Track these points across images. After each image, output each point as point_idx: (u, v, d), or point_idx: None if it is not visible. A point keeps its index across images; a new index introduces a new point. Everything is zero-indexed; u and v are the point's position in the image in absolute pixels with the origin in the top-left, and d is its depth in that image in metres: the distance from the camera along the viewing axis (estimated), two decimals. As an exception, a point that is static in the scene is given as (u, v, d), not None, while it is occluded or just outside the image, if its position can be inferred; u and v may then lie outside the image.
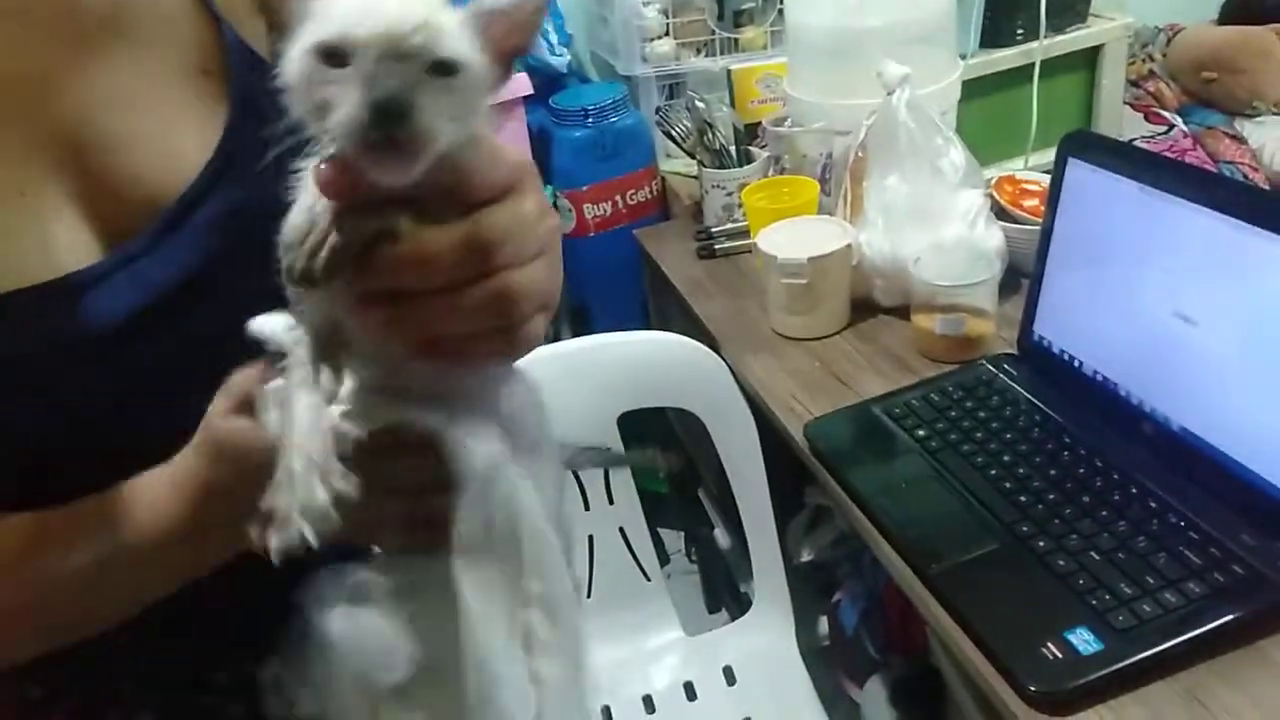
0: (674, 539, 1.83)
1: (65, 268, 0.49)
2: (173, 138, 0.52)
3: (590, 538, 1.26)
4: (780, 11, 1.50)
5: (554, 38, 1.58)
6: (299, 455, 0.40)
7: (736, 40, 1.57)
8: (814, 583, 1.38)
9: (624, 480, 1.25)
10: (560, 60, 1.59)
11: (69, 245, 0.50)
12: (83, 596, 0.49)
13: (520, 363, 0.47)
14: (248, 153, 0.54)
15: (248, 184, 0.53)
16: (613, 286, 1.55)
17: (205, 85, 0.54)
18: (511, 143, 1.42)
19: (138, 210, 0.51)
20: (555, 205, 1.54)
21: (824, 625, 1.38)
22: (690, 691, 1.22)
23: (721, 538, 1.61)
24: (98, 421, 0.52)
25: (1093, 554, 0.75)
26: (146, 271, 0.51)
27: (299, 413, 0.41)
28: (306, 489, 0.39)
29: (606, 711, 1.21)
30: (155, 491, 0.47)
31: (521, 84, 1.45)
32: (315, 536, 0.39)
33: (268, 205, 0.55)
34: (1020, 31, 1.58)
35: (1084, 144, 0.89)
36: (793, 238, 1.11)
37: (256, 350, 0.46)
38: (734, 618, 1.39)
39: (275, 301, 0.46)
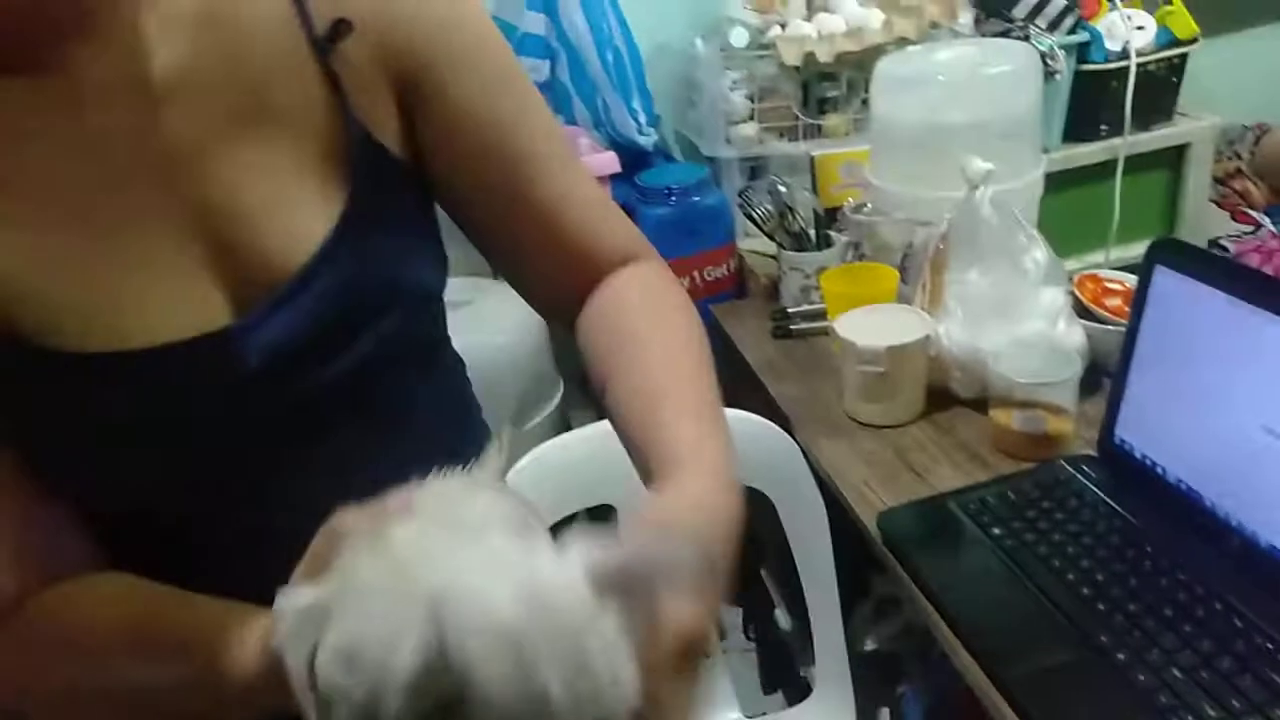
0: (731, 616, 1.81)
1: (195, 329, 0.54)
2: (297, 215, 0.57)
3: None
4: (864, 101, 1.54)
5: (642, 117, 1.63)
6: None
7: (820, 126, 1.60)
8: (877, 672, 1.36)
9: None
10: (647, 140, 1.64)
11: (200, 309, 0.55)
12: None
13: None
14: (362, 233, 0.58)
15: (359, 261, 0.58)
16: (686, 361, 1.57)
17: (330, 170, 0.58)
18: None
19: (260, 280, 0.56)
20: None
21: (885, 717, 1.35)
22: (747, 775, 1.21)
23: (783, 618, 1.59)
24: (202, 481, 0.56)
25: (1174, 670, 0.73)
26: (266, 336, 0.56)
27: None
28: None
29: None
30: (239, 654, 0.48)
31: (609, 161, 1.50)
32: None
33: (375, 282, 0.60)
34: (1105, 128, 1.59)
35: (1172, 252, 0.89)
36: (871, 325, 1.12)
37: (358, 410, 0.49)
38: (790, 701, 1.37)
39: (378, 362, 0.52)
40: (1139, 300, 0.92)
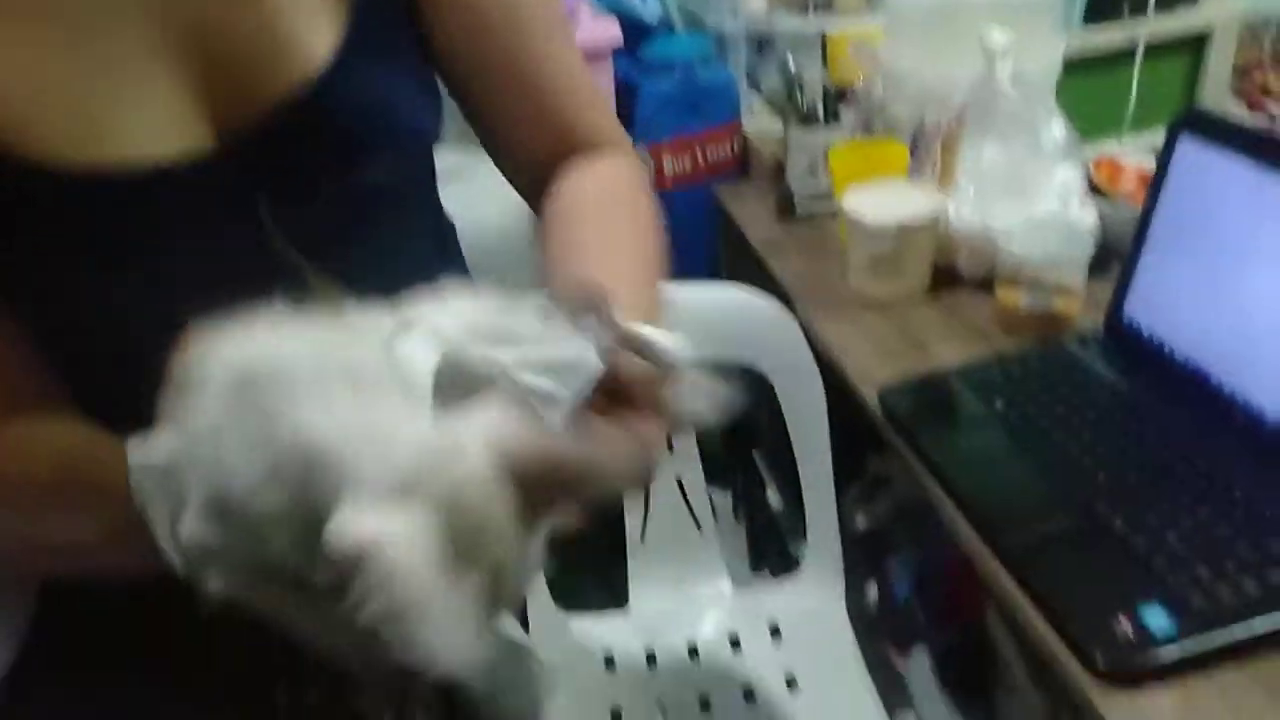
0: (721, 499, 1.84)
1: (178, 152, 0.51)
2: (295, 38, 0.53)
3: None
4: (879, -26, 1.47)
5: (645, -13, 1.56)
6: None
7: (831, 1, 1.54)
8: (866, 550, 1.39)
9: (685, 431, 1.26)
10: (650, 11, 1.58)
11: (185, 130, 0.52)
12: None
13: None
14: (361, 62, 0.55)
15: (356, 90, 0.55)
16: (685, 243, 1.53)
17: None
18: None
19: (251, 103, 0.53)
20: (635, 155, 1.53)
21: (873, 592, 1.38)
22: (735, 643, 1.24)
23: (774, 498, 1.61)
24: (175, 309, 0.54)
25: (1172, 536, 0.74)
26: (251, 163, 0.53)
27: None
28: None
29: (651, 656, 1.24)
30: None
31: (611, 34, 1.44)
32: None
33: (371, 114, 0.56)
34: (1126, 8, 1.53)
35: (1198, 122, 0.87)
36: (879, 201, 1.10)
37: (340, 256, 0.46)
38: (776, 577, 1.40)
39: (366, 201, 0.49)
40: (1159, 174, 0.90)
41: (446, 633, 0.34)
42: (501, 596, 0.37)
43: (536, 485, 0.38)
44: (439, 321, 0.39)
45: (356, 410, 0.35)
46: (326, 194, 0.56)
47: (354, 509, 0.33)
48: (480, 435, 0.36)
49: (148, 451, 0.40)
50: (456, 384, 0.38)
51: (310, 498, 0.35)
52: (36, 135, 0.48)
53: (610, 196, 0.65)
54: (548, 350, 0.39)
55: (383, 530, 0.33)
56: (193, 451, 0.38)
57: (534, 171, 0.67)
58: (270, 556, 0.37)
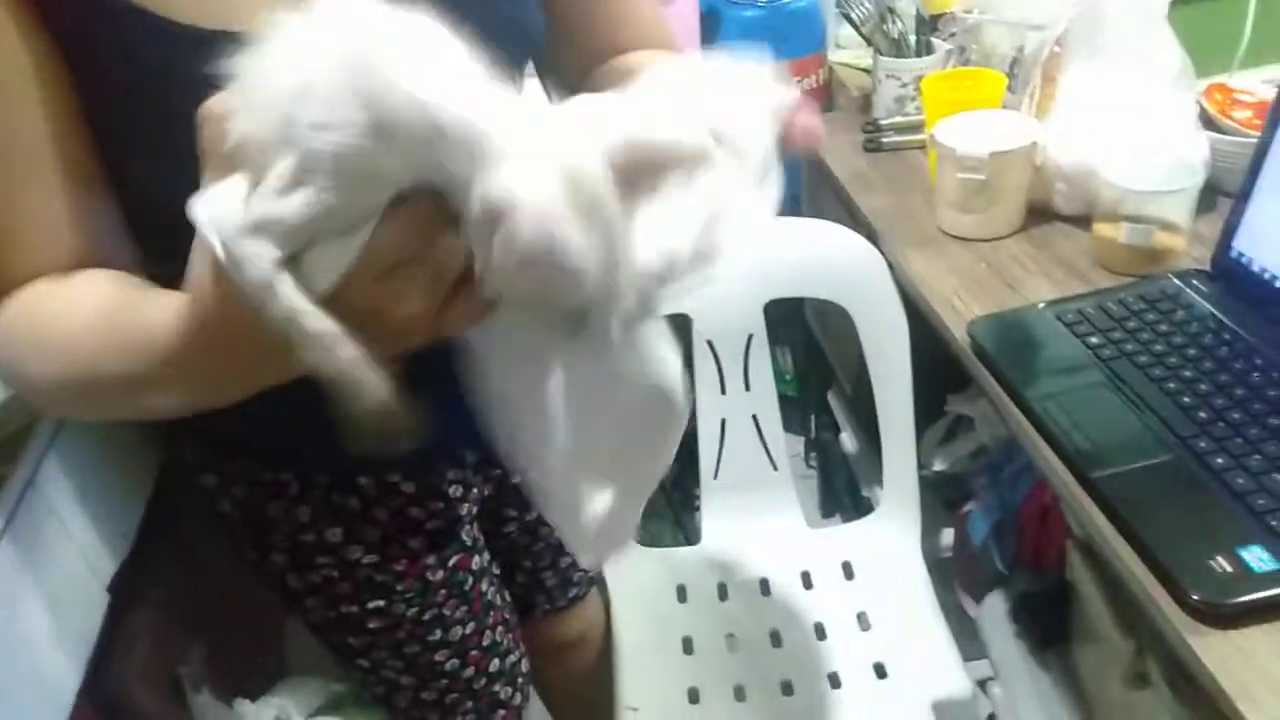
0: (794, 445, 1.83)
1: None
2: None
3: (723, 421, 1.27)
4: (979, -105, 1.40)
5: (732, -89, 1.51)
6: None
7: (926, -75, 1.47)
8: (943, 494, 1.36)
9: (763, 367, 1.25)
10: (736, -64, 1.53)
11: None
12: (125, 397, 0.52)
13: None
14: None
15: None
16: (766, 177, 1.51)
17: None
18: (679, 22, 1.39)
19: None
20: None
21: (948, 537, 1.36)
22: (807, 580, 1.24)
23: (848, 441, 1.60)
24: None
25: (1277, 475, 0.71)
26: None
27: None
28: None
29: (723, 590, 1.25)
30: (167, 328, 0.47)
31: (694, -41, 1.41)
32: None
33: (497, 13, 0.56)
34: (1247, -68, 1.43)
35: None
36: (973, 131, 1.05)
37: None
38: (847, 523, 1.39)
39: None
40: (1281, 100, 0.85)
41: (598, 266, 0.38)
42: (614, 270, 0.40)
43: (636, 169, 0.40)
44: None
45: (491, 90, 0.38)
46: None
47: (500, 171, 0.37)
48: (591, 123, 0.40)
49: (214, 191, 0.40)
50: None
51: (432, 162, 0.37)
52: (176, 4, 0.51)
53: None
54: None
55: (526, 181, 0.37)
56: (285, 110, 0.37)
57: (580, 70, 0.72)
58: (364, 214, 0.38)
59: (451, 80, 0.37)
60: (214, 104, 0.39)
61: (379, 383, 0.41)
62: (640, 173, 0.40)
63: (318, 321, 0.39)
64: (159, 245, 0.57)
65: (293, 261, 0.39)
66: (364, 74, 0.36)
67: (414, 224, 0.39)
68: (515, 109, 0.38)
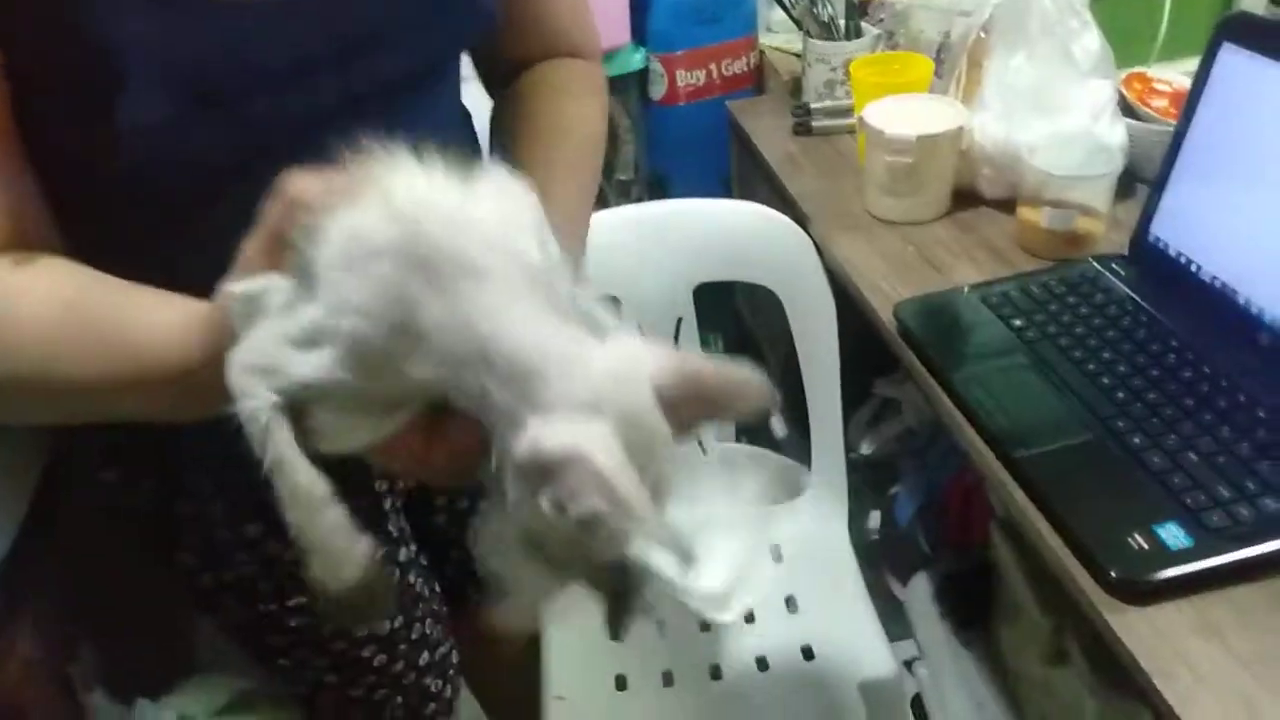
0: (723, 428, 1.82)
1: None
2: None
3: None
4: (908, -120, 1.40)
5: (663, -109, 1.49)
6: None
7: (856, -91, 1.47)
8: (870, 477, 1.38)
9: (693, 350, 1.24)
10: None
11: None
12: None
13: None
14: None
15: None
16: (696, 158, 1.50)
17: None
18: (610, 3, 1.37)
19: None
20: (647, 69, 1.49)
21: (875, 519, 1.37)
22: (736, 564, 1.23)
23: (778, 425, 1.60)
24: (251, 150, 0.53)
25: (1191, 455, 0.72)
26: (332, 14, 0.55)
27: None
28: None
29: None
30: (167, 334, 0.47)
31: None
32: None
33: None
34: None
35: (1243, 28, 0.83)
36: (901, 115, 1.06)
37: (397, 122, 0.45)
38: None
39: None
40: (1198, 85, 0.86)
41: (647, 528, 0.36)
42: (662, 508, 0.39)
43: (682, 404, 0.40)
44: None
45: (543, 322, 0.37)
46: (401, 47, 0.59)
47: (547, 421, 0.35)
48: (642, 360, 0.38)
49: (252, 283, 0.39)
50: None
51: (475, 385, 0.36)
52: None
53: (567, 101, 0.70)
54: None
55: (586, 437, 0.35)
56: (342, 299, 0.36)
57: (502, 61, 0.72)
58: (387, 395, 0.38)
59: (503, 303, 0.36)
60: (302, 187, 0.39)
61: (359, 557, 0.39)
62: (686, 410, 0.39)
63: (307, 477, 0.38)
64: (75, 214, 0.54)
65: (300, 410, 0.38)
66: (415, 275, 0.35)
67: (444, 449, 0.40)
68: (565, 342, 0.37)
